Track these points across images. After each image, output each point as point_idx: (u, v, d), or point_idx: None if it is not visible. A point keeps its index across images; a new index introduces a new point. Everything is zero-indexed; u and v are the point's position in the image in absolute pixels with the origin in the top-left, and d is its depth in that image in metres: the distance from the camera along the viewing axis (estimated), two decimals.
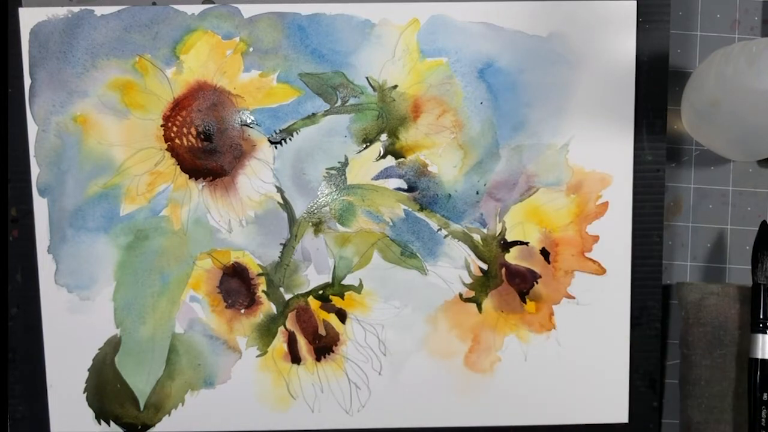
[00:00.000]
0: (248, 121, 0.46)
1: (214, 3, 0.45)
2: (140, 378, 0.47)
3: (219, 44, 0.45)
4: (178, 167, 0.46)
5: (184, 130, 0.46)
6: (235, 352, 0.47)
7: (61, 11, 0.45)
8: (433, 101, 0.46)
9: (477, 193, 0.46)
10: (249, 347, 0.47)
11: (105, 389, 0.47)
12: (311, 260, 0.46)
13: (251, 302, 0.47)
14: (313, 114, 0.46)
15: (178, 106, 0.46)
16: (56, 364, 0.46)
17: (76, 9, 0.45)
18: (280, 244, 0.46)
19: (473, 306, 0.47)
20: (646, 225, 0.47)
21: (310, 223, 0.46)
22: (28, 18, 0.45)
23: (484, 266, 0.47)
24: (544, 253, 0.47)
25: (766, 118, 0.40)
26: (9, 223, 0.46)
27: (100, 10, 0.45)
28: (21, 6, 0.45)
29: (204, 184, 0.46)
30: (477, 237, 0.47)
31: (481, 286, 0.47)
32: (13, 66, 0.45)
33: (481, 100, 0.46)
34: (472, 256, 0.47)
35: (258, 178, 0.46)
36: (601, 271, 0.47)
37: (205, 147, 0.46)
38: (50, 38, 0.45)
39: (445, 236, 0.47)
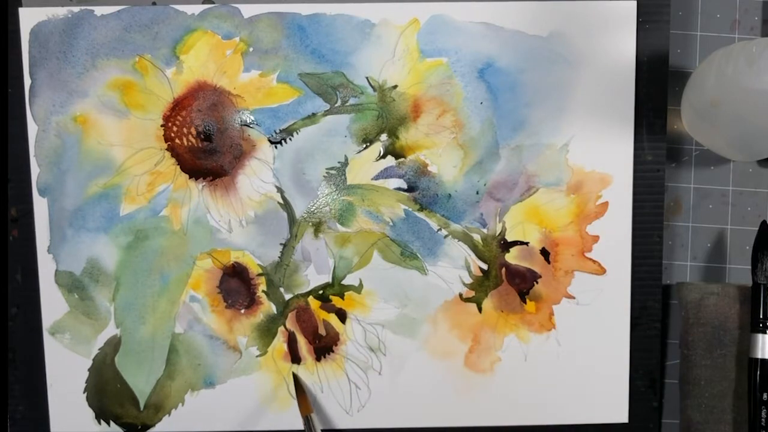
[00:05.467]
0: (248, 121, 0.46)
1: (214, 3, 0.45)
2: (140, 378, 0.47)
3: (219, 44, 0.45)
4: (178, 167, 0.46)
5: (184, 130, 0.46)
6: (235, 352, 0.47)
7: (61, 11, 0.45)
8: (433, 101, 0.46)
9: (477, 193, 0.46)
10: (249, 347, 0.47)
11: (105, 389, 0.47)
12: (311, 260, 0.46)
13: (251, 302, 0.47)
14: (313, 114, 0.46)
15: (178, 106, 0.46)
16: (56, 364, 0.46)
17: (76, 9, 0.45)
18: (280, 244, 0.46)
19: (473, 306, 0.47)
20: (646, 225, 0.47)
21: (310, 223, 0.46)
22: (28, 18, 0.45)
23: (484, 266, 0.47)
24: (544, 253, 0.47)
25: (766, 118, 0.40)
26: (9, 223, 0.46)
27: (100, 10, 0.45)
28: (21, 6, 0.45)
29: (204, 184, 0.46)
30: (477, 237, 0.47)
31: (481, 286, 0.47)
32: (13, 66, 0.45)
33: (481, 100, 0.46)
34: (472, 256, 0.47)
35: (258, 178, 0.46)
36: (601, 271, 0.47)
37: (205, 147, 0.46)
38: (50, 38, 0.45)
39: (445, 236, 0.47)
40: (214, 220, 0.46)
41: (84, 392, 0.47)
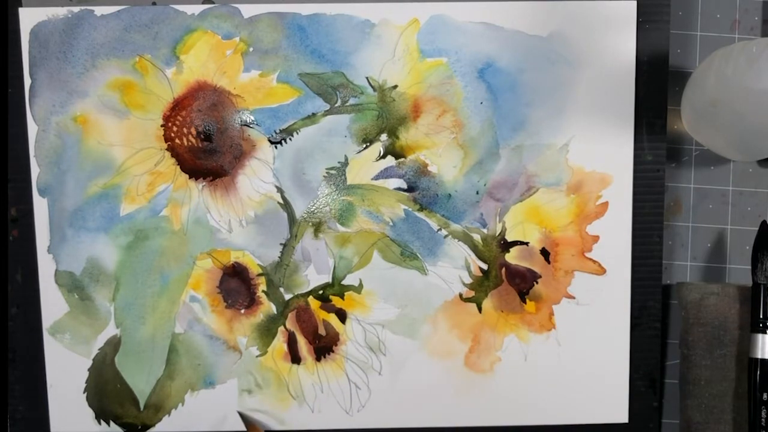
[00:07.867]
0: (248, 121, 0.46)
1: (214, 3, 0.45)
2: (140, 378, 0.47)
3: (219, 44, 0.45)
4: (178, 167, 0.46)
5: (184, 130, 0.46)
6: (235, 352, 0.47)
7: (61, 11, 0.45)
8: (433, 101, 0.46)
9: (477, 193, 0.46)
10: (249, 347, 0.47)
11: (105, 389, 0.47)
12: (311, 260, 0.46)
13: (251, 302, 0.47)
14: (313, 114, 0.46)
15: (178, 106, 0.46)
16: (56, 364, 0.46)
17: (76, 9, 0.45)
18: (280, 244, 0.46)
19: (473, 306, 0.47)
20: (646, 225, 0.47)
21: (310, 223, 0.46)
22: (28, 18, 0.45)
23: (484, 266, 0.47)
24: (544, 253, 0.47)
25: (766, 118, 0.40)
26: (9, 223, 0.46)
27: (100, 10, 0.45)
28: (21, 6, 0.45)
29: (204, 184, 0.46)
30: (477, 237, 0.47)
31: (481, 286, 0.47)
32: (13, 66, 0.45)
33: (481, 100, 0.46)
34: (472, 256, 0.47)
35: (258, 178, 0.46)
36: (601, 271, 0.47)
37: (205, 147, 0.46)
38: (50, 38, 0.45)
39: (445, 236, 0.47)
40: (214, 220, 0.46)
41: (84, 392, 0.47)
